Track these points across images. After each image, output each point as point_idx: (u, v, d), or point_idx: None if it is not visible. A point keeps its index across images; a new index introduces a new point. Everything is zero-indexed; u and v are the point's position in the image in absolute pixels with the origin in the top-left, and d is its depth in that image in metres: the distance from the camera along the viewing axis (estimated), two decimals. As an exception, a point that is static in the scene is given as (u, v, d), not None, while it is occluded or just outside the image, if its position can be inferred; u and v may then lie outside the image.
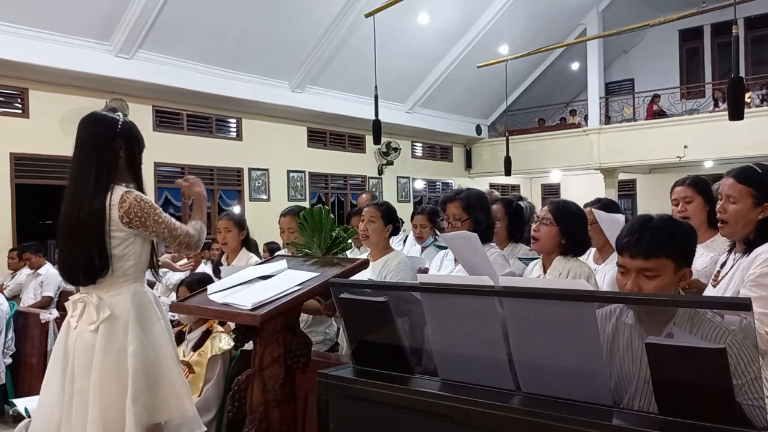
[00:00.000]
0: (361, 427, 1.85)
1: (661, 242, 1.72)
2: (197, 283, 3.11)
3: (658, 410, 1.47)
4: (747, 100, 12.90)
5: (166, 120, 9.57)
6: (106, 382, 2.18)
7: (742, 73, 14.19)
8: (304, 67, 10.39)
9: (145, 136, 2.53)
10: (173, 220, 2.38)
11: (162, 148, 9.18)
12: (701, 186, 2.81)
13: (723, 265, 2.20)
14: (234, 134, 10.60)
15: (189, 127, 9.88)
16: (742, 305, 1.34)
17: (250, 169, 10.71)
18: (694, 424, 1.36)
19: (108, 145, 2.35)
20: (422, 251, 4.58)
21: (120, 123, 2.39)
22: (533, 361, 1.61)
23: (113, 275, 2.29)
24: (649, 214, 1.89)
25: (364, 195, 6.32)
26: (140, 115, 8.85)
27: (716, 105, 13.62)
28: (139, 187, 2.41)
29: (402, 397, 1.75)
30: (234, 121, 10.55)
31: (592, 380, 1.54)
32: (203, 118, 10.10)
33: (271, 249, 6.22)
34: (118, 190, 2.31)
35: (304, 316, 3.32)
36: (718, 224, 2.17)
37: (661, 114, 14.14)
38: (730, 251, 2.20)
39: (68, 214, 2.31)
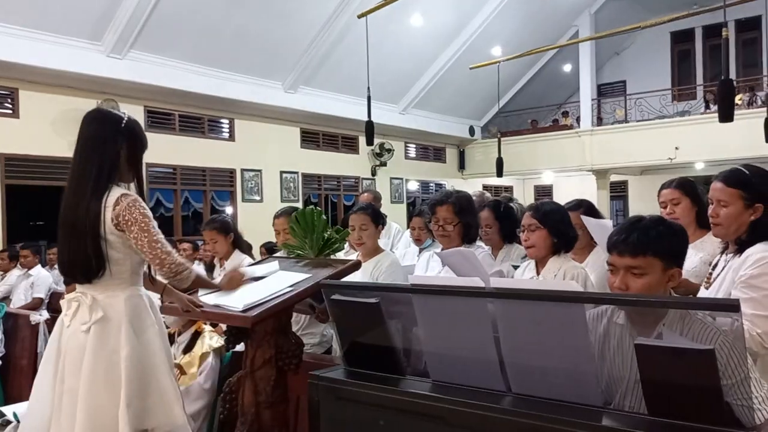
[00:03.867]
0: (352, 429, 1.85)
1: (648, 241, 1.74)
2: None
3: (647, 411, 1.48)
4: (738, 102, 12.98)
5: (157, 120, 9.52)
6: (95, 385, 2.15)
7: (732, 76, 14.30)
8: (297, 68, 10.37)
9: (135, 137, 2.48)
10: (164, 239, 2.28)
11: (154, 149, 8.90)
12: (688, 187, 2.84)
13: (716, 266, 2.21)
14: (227, 135, 10.57)
15: (181, 128, 9.83)
16: (731, 306, 1.34)
17: (242, 170, 10.68)
18: (683, 425, 1.37)
19: (110, 144, 2.30)
20: (420, 252, 4.58)
21: (124, 121, 2.36)
22: (524, 363, 1.61)
23: (110, 277, 2.25)
24: (641, 215, 1.91)
25: (365, 194, 6.12)
26: (132, 116, 8.79)
27: (707, 107, 13.68)
28: (140, 187, 2.37)
29: (393, 398, 1.75)
30: (227, 121, 10.52)
31: (582, 381, 1.55)
32: (195, 118, 10.06)
33: (269, 249, 6.15)
34: (116, 192, 2.26)
35: (300, 318, 3.32)
36: (711, 225, 2.19)
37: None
38: (722, 252, 2.22)
39: (68, 211, 2.28)
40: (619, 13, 13.74)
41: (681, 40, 15.82)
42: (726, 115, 5.55)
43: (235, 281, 2.45)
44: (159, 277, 2.33)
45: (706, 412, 1.39)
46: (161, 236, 2.28)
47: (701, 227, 2.70)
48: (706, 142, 11.86)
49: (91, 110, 2.43)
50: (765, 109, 9.24)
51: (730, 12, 11.45)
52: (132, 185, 2.40)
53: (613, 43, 15.59)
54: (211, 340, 3.05)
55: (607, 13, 13.97)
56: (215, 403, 3.02)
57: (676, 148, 12.49)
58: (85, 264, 2.23)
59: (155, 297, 2.46)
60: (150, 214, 2.28)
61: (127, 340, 2.20)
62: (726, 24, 5.90)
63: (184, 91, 9.12)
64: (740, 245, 2.08)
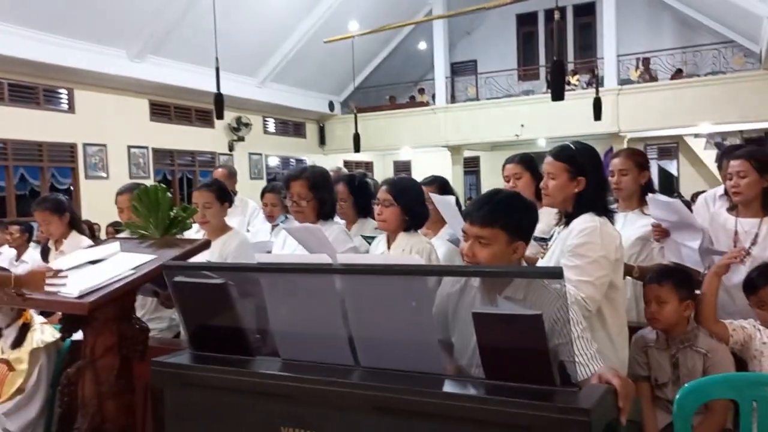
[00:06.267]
0: (199, 415, 1.79)
1: (497, 214, 1.85)
2: None
3: (484, 375, 1.56)
4: (575, 82, 14.04)
5: (-18, 90, 8.57)
6: None
7: (570, 58, 15.36)
8: (144, 35, 9.71)
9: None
10: None
11: (-21, 122, 8.23)
12: (529, 162, 3.06)
13: (551, 237, 2.39)
14: (65, 106, 9.71)
15: (11, 98, 8.91)
16: (555, 274, 1.45)
17: (85, 145, 9.88)
18: (515, 386, 1.46)
19: None
20: (273, 229, 4.51)
21: None
22: (371, 336, 1.65)
23: None
24: (499, 188, 2.02)
25: (220, 170, 5.86)
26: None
27: (548, 86, 14.66)
28: None
29: (241, 380, 1.72)
30: (65, 91, 9.65)
31: (427, 350, 1.61)
32: (29, 88, 9.15)
33: (118, 230, 5.73)
34: None
35: (147, 302, 3.16)
36: (543, 196, 2.36)
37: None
38: (556, 224, 2.39)
39: None
40: (470, -6, 14.27)
41: (525, 22, 16.71)
42: (557, 94, 5.97)
43: (36, 278, 2.23)
44: None
45: (537, 372, 1.49)
46: None
47: (540, 200, 2.90)
48: (547, 120, 12.72)
49: None
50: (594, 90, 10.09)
51: (569, -3, 12.31)
52: None
53: (465, 24, 16.17)
54: (43, 334, 2.82)
55: (459, -6, 14.46)
56: (53, 399, 2.81)
57: (522, 126, 13.29)
58: None
59: None
60: None
61: None
62: (564, 9, 6.32)
63: (13, 57, 8.24)
64: (568, 217, 2.26)
